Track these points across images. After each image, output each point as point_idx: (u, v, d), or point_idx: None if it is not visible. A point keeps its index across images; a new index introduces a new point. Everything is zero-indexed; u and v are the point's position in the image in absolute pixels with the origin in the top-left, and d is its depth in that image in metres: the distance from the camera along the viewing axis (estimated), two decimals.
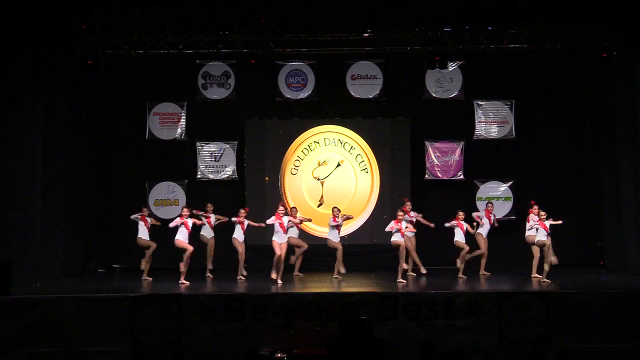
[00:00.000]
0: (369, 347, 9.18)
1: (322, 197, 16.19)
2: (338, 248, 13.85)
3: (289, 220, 13.64)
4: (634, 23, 13.80)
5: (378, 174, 16.28)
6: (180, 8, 14.15)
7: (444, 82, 16.30)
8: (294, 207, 14.46)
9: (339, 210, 14.07)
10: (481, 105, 16.27)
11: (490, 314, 11.13)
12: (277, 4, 14.14)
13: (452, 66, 16.10)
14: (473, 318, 11.14)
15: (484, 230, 14.21)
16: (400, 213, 13.56)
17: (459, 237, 14.03)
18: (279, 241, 13.39)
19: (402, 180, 16.19)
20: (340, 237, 14.62)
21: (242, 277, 13.84)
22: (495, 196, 16.14)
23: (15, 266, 11.92)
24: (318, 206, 16.17)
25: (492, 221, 14.24)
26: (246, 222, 13.92)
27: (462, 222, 14.08)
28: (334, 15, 14.42)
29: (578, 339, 10.92)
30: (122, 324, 11.07)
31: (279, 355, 9.69)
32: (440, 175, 16.20)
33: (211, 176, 16.41)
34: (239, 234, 13.95)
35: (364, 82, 16.41)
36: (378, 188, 16.24)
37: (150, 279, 13.77)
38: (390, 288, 12.53)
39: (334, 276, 13.80)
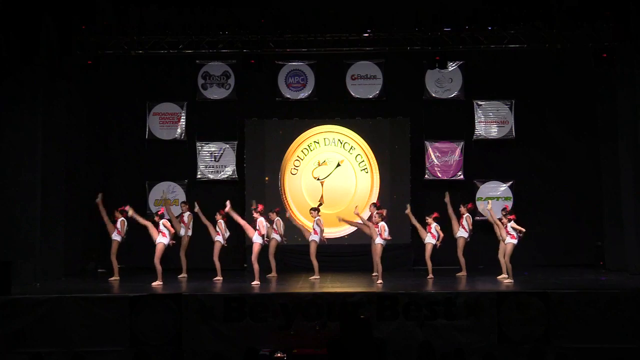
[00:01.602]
0: (369, 347, 9.18)
1: (322, 197, 16.18)
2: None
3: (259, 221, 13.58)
4: (634, 23, 13.81)
5: (378, 174, 16.27)
6: (180, 8, 14.15)
7: (444, 82, 16.30)
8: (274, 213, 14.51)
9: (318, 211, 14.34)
10: (481, 105, 16.27)
11: (490, 314, 11.13)
12: (277, 4, 14.14)
13: (452, 66, 16.09)
14: (473, 318, 11.14)
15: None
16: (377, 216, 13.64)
17: (429, 239, 14.10)
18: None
19: (402, 180, 16.20)
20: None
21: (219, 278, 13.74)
22: (495, 196, 16.15)
23: (15, 266, 11.94)
24: (318, 206, 16.12)
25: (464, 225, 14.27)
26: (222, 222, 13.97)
27: (431, 225, 14.11)
28: (334, 15, 14.43)
29: (578, 339, 10.93)
30: (122, 324, 11.07)
31: (279, 355, 9.70)
32: (440, 175, 16.20)
33: (211, 176, 16.41)
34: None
35: (364, 82, 16.42)
36: (378, 188, 16.24)
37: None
38: (390, 288, 12.53)
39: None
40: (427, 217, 14.21)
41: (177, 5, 14.17)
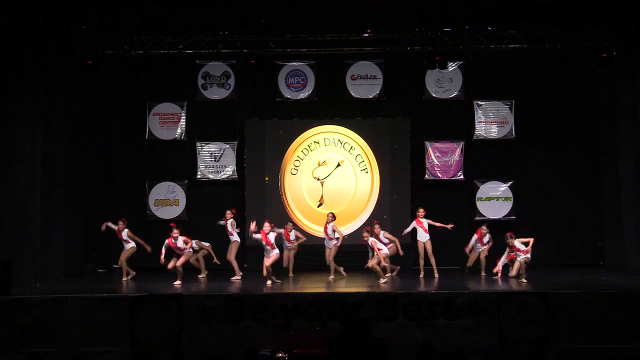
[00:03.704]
0: (369, 347, 9.18)
1: (322, 197, 16.19)
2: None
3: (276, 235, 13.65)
4: (634, 23, 13.81)
5: (378, 174, 16.27)
6: (180, 8, 14.14)
7: (444, 82, 16.29)
8: (290, 224, 14.64)
9: (333, 216, 14.31)
10: (481, 105, 16.26)
11: (490, 314, 11.14)
12: (277, 4, 14.13)
13: (452, 66, 16.08)
14: (473, 318, 11.15)
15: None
16: (366, 234, 13.62)
17: (420, 236, 14.16)
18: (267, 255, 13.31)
19: (402, 180, 16.20)
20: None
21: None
22: (495, 196, 16.15)
23: (15, 266, 11.93)
24: (318, 206, 16.16)
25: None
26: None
27: (422, 220, 14.13)
28: (334, 15, 14.42)
29: (578, 339, 10.94)
30: (122, 324, 11.08)
31: (280, 355, 9.70)
32: (440, 175, 16.19)
33: (211, 176, 16.40)
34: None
35: (364, 82, 16.41)
36: (378, 188, 16.23)
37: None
38: (390, 288, 12.54)
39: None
40: (420, 210, 14.39)
41: (177, 5, 14.15)
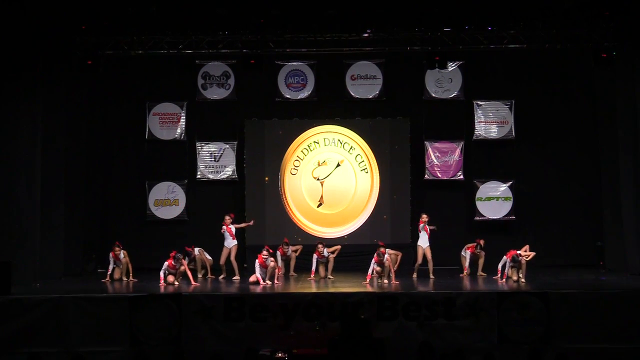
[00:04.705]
0: (369, 347, 9.20)
1: (321, 197, 16.18)
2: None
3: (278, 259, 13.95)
4: (633, 23, 13.81)
5: (378, 174, 16.26)
6: (180, 8, 14.14)
7: (444, 82, 16.29)
8: (285, 243, 14.57)
9: (323, 246, 14.15)
10: (481, 105, 16.26)
11: (490, 314, 11.15)
12: (277, 4, 14.14)
13: (451, 66, 16.08)
14: (473, 318, 11.17)
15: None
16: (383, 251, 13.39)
17: (421, 241, 14.16)
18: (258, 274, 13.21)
19: (401, 180, 16.19)
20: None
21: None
22: (495, 196, 16.15)
23: (15, 266, 11.93)
24: (318, 206, 16.16)
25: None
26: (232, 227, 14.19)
27: (427, 226, 14.15)
28: (334, 15, 14.41)
29: (578, 339, 10.95)
30: (122, 324, 11.09)
31: (280, 355, 9.71)
32: (440, 175, 16.19)
33: (211, 176, 16.40)
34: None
35: (364, 82, 16.41)
36: (378, 188, 16.22)
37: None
38: (390, 288, 12.54)
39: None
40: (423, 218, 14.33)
41: (177, 5, 14.15)
